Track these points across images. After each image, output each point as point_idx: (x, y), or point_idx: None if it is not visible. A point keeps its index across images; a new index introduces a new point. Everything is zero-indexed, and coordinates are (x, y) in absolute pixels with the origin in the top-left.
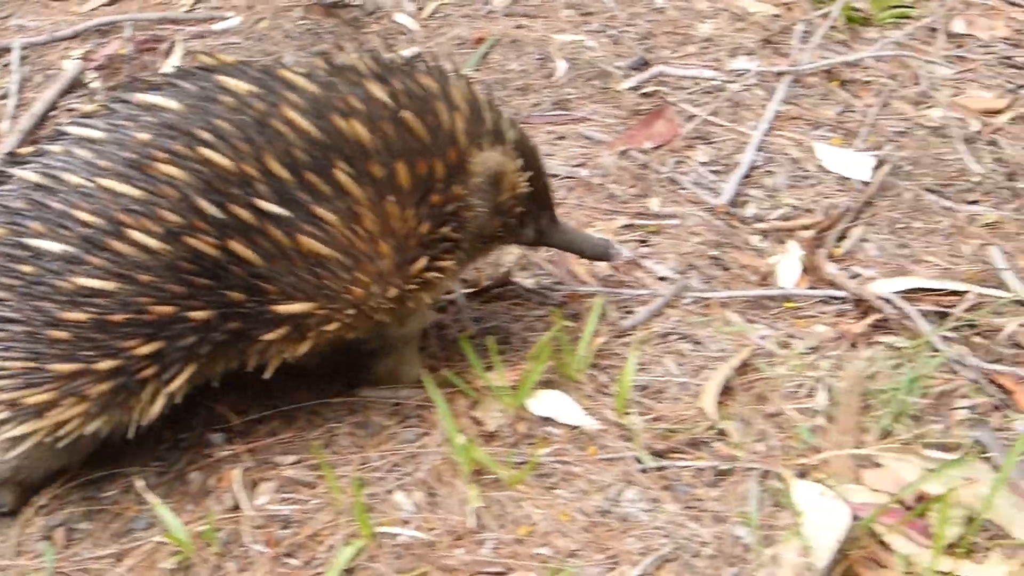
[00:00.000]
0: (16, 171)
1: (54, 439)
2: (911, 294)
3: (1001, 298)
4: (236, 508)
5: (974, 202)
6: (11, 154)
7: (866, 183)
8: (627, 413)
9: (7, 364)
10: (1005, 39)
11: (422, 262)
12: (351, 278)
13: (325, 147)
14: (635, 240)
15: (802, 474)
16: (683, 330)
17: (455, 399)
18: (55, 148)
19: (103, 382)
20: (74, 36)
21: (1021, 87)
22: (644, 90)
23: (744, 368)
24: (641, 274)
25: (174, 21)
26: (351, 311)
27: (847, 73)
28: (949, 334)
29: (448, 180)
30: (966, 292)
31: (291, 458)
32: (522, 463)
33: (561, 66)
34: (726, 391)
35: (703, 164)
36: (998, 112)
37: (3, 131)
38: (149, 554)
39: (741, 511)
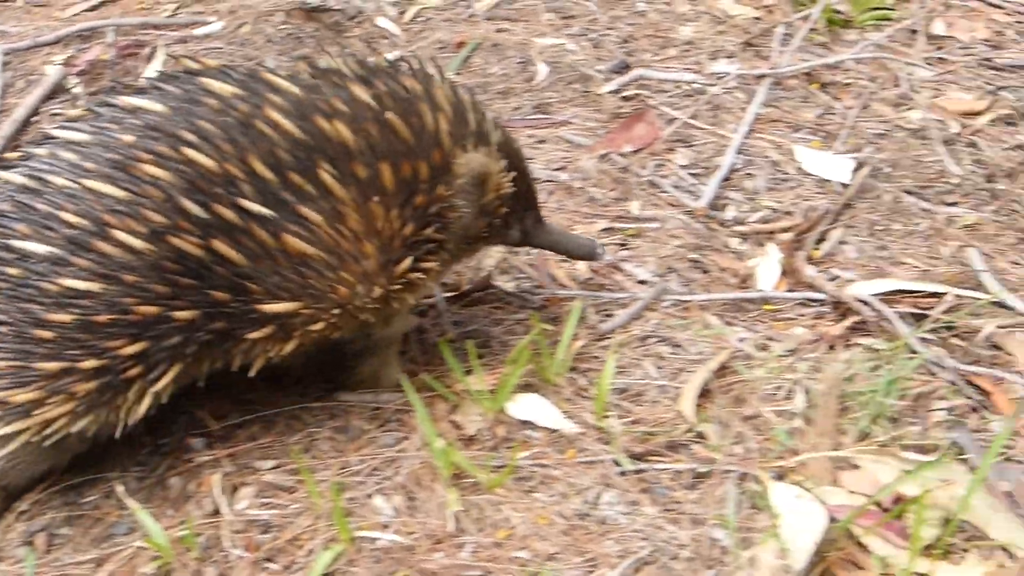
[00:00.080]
0: (1, 174)
1: (41, 438)
2: (889, 296)
3: (979, 300)
4: (216, 513)
5: (953, 204)
6: None
7: (845, 185)
8: (606, 416)
9: None
10: (985, 41)
11: (407, 263)
12: (336, 278)
13: (309, 148)
14: (615, 243)
15: (780, 476)
16: (662, 333)
17: (435, 403)
18: (41, 151)
19: (89, 381)
20: (56, 41)
21: (1001, 89)
22: (625, 93)
23: (723, 371)
24: (621, 277)
25: (156, 26)
26: (336, 311)
27: (827, 75)
28: (927, 336)
29: (432, 181)
30: (944, 294)
31: (271, 463)
32: (501, 467)
33: (542, 70)
34: (705, 394)
35: (683, 167)
36: (978, 114)
37: None
38: (129, 559)
39: (719, 513)
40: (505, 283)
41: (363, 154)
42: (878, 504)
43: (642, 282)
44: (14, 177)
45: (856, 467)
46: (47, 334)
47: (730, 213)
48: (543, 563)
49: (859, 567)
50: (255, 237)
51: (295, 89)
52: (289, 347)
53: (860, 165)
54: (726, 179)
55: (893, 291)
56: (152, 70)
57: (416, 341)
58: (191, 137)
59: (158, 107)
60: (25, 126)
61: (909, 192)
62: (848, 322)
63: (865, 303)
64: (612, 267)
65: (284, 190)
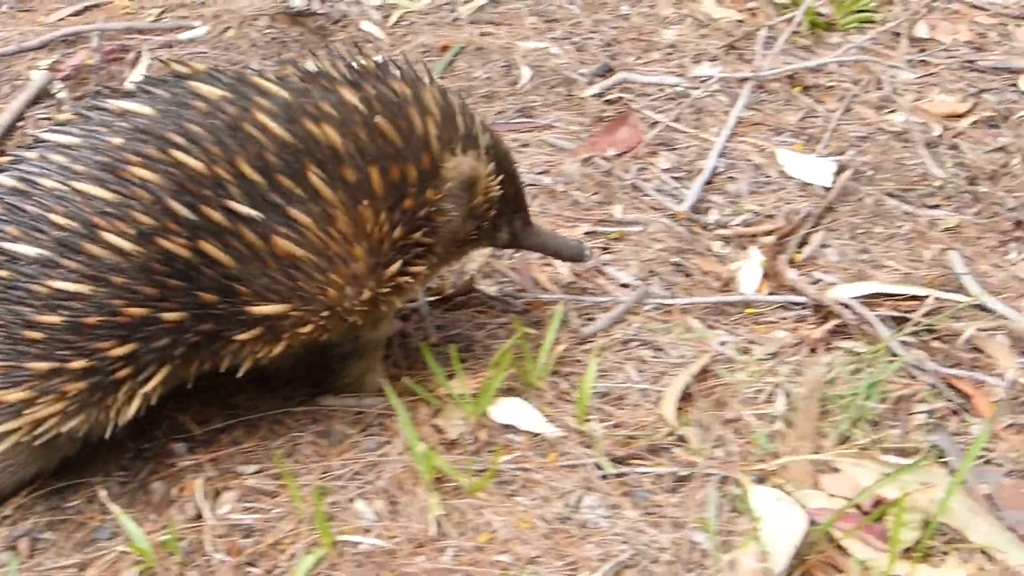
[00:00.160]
0: None
1: (32, 438)
2: (871, 299)
3: (960, 302)
4: (198, 517)
5: (935, 206)
6: None
7: (827, 188)
8: (587, 420)
9: None
10: (968, 43)
11: (396, 266)
12: (325, 280)
13: (297, 151)
14: (598, 247)
15: (761, 479)
16: (644, 336)
17: (417, 407)
18: (31, 154)
19: (78, 381)
20: (41, 47)
21: (983, 91)
22: (608, 97)
23: (704, 374)
24: (603, 281)
25: (140, 31)
26: (325, 313)
27: (810, 78)
28: (908, 339)
29: (421, 185)
30: (926, 297)
31: (253, 467)
32: (483, 471)
33: (525, 73)
34: (686, 397)
35: (666, 171)
36: (960, 116)
37: None
38: (112, 564)
39: (699, 517)
40: (488, 287)
41: (352, 157)
42: (858, 507)
43: (624, 286)
44: (4, 180)
45: (836, 470)
46: (37, 335)
47: (712, 216)
48: (524, 567)
49: (839, 570)
50: (243, 239)
51: (283, 92)
52: (278, 349)
53: (842, 168)
54: (708, 182)
55: (874, 294)
56: (137, 75)
57: (399, 345)
58: (179, 140)
59: (147, 110)
60: (10, 131)
61: (891, 195)
62: (829, 325)
63: (846, 306)
64: (595, 271)
65: (272, 192)
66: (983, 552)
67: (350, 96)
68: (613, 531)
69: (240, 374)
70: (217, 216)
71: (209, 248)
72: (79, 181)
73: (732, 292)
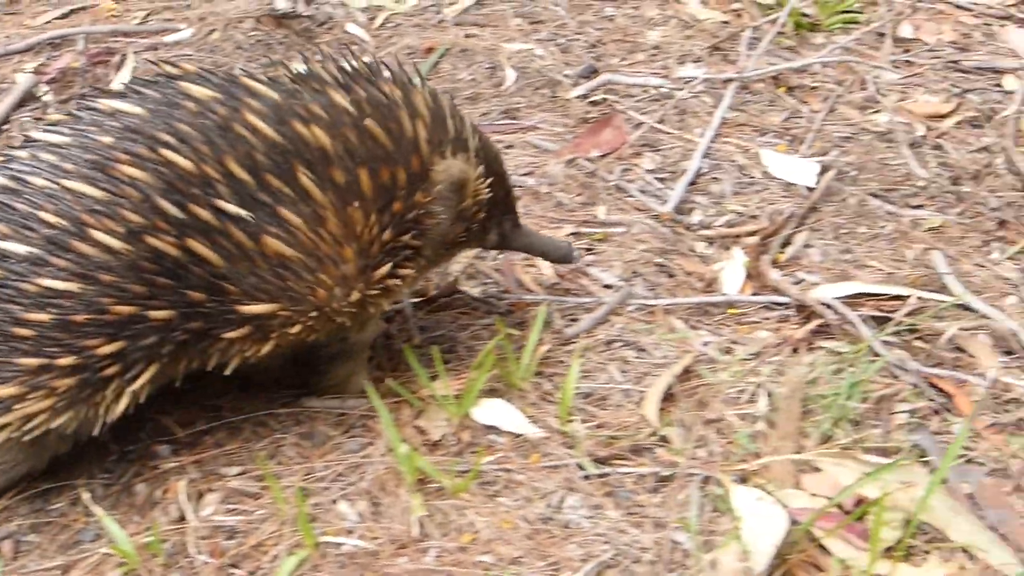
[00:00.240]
0: None
1: (22, 434)
2: (853, 299)
3: (943, 302)
4: (182, 519)
5: (919, 207)
6: None
7: (811, 189)
8: (570, 420)
9: None
10: (952, 43)
11: (385, 268)
12: (315, 280)
13: (286, 152)
14: (582, 248)
15: (743, 479)
16: (627, 337)
17: (400, 409)
18: (22, 153)
19: (67, 377)
20: (27, 50)
21: (967, 91)
22: (592, 98)
23: (687, 374)
24: (587, 282)
25: (126, 34)
26: (314, 313)
27: (794, 79)
28: (890, 339)
29: (410, 188)
30: (908, 296)
31: (236, 469)
32: (465, 471)
33: (510, 75)
34: (668, 397)
35: (650, 171)
36: (944, 116)
37: None
38: (96, 566)
39: (681, 517)
40: (471, 288)
41: (341, 159)
42: (839, 506)
43: (608, 286)
44: None
45: (818, 470)
46: (26, 332)
47: (696, 217)
48: (506, 567)
49: (820, 569)
50: (232, 238)
51: (273, 94)
52: (266, 348)
53: (826, 168)
54: (692, 183)
55: (857, 294)
56: (122, 77)
57: (383, 347)
58: (169, 139)
59: (137, 110)
60: None
61: (874, 195)
62: (812, 325)
63: (828, 306)
64: (578, 271)
65: (261, 192)
66: (964, 551)
67: (340, 98)
68: (595, 531)
69: (228, 372)
70: (205, 215)
71: (197, 246)
72: (69, 179)
73: (715, 293)
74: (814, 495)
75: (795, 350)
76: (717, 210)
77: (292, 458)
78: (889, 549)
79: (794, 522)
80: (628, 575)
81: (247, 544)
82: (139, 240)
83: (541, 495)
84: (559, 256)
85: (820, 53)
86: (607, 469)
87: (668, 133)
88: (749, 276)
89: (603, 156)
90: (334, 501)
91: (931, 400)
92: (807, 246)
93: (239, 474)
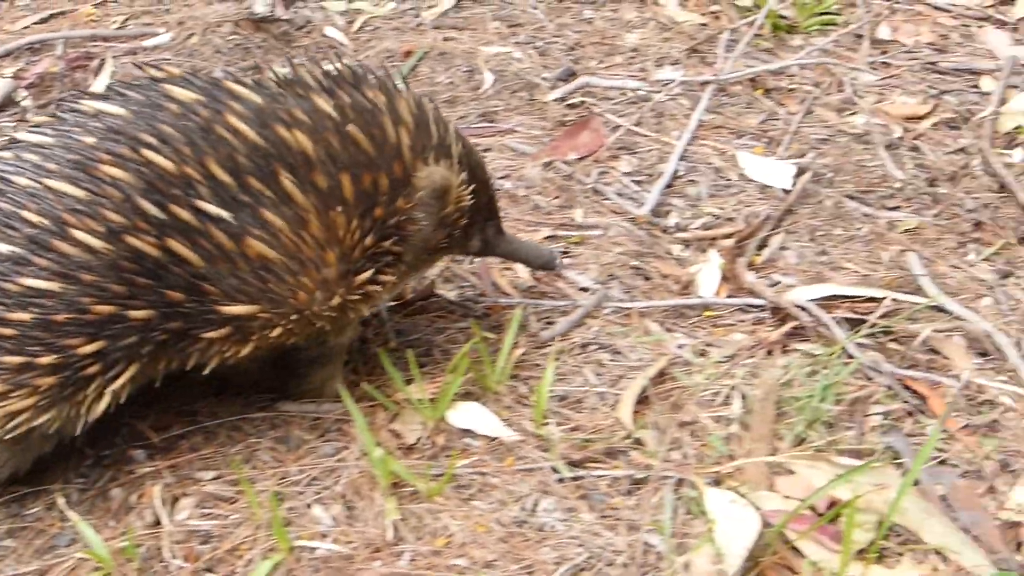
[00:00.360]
0: None
1: (5, 432)
2: (828, 301)
3: (917, 304)
4: (157, 524)
5: (895, 208)
6: None
7: (787, 191)
8: (545, 423)
9: None
10: (930, 44)
11: (367, 274)
12: (296, 283)
13: (268, 155)
14: (558, 251)
15: (717, 482)
16: (603, 340)
17: (375, 412)
18: (6, 154)
19: (49, 376)
20: (5, 55)
21: (944, 93)
22: (570, 101)
23: (661, 377)
24: (563, 285)
25: (105, 38)
26: (294, 316)
27: (772, 81)
28: (864, 341)
29: (392, 194)
30: (883, 298)
31: (211, 473)
32: (440, 475)
33: (488, 78)
34: (643, 400)
35: (626, 174)
36: (921, 118)
37: None
38: (71, 570)
39: (655, 519)
40: (448, 291)
41: (323, 164)
42: (812, 508)
43: (584, 289)
44: None
45: (791, 472)
46: (8, 331)
47: (672, 220)
48: (480, 571)
49: (792, 571)
50: (212, 239)
51: (256, 97)
52: (246, 350)
53: (802, 170)
54: (669, 186)
55: (832, 296)
56: (101, 82)
57: (358, 350)
58: (151, 139)
59: (120, 111)
60: None
61: (851, 197)
62: (786, 328)
63: (803, 309)
64: (555, 275)
65: (242, 193)
66: (937, 553)
67: (323, 103)
68: (569, 534)
69: (206, 372)
70: (185, 215)
71: (177, 246)
72: (51, 179)
73: (691, 295)
74: (787, 497)
75: (769, 352)
76: (693, 213)
77: (267, 462)
78: (862, 551)
79: (767, 524)
80: None
81: (222, 548)
82: (119, 240)
83: (515, 498)
84: (542, 263)
85: (798, 55)
86: (581, 472)
87: (645, 136)
88: (725, 278)
89: (580, 159)
90: (309, 505)
91: (905, 402)
92: (783, 248)
93: (214, 478)
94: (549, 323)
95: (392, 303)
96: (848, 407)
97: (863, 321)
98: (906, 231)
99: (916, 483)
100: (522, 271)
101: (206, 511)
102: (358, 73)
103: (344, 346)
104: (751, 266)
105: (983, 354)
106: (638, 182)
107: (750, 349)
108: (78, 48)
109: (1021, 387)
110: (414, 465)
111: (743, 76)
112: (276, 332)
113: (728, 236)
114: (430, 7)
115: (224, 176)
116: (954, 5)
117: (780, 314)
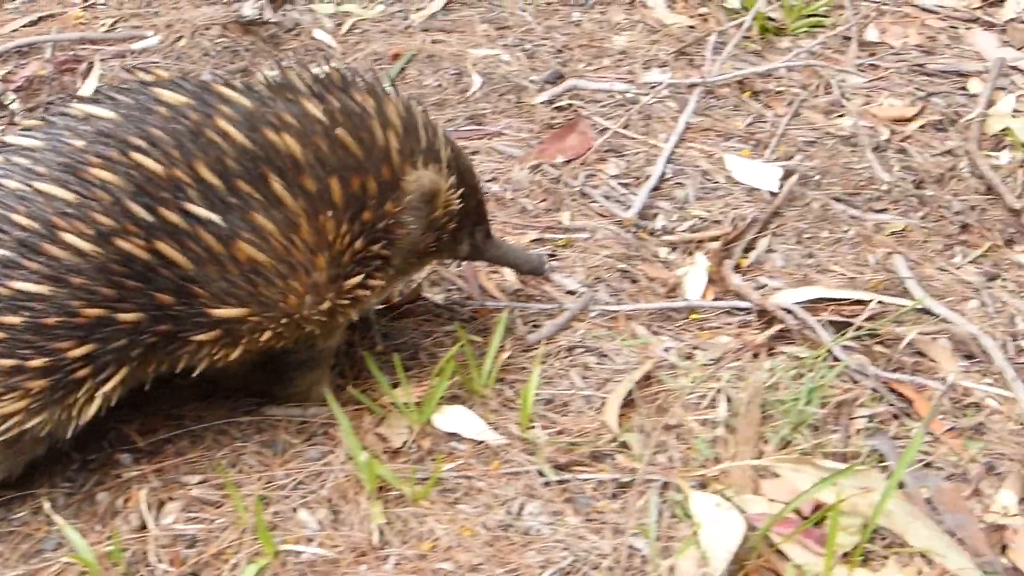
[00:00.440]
0: None
1: None
2: (815, 304)
3: (903, 307)
4: (143, 528)
5: (882, 210)
6: None
7: (774, 193)
8: (531, 427)
9: None
10: (918, 46)
11: (357, 278)
12: (286, 286)
13: (257, 158)
14: (545, 254)
15: (702, 485)
16: (589, 343)
17: (362, 416)
18: None
19: (40, 379)
20: None
21: (931, 95)
22: (558, 104)
23: (647, 380)
24: (550, 288)
25: (93, 41)
26: (284, 320)
27: (759, 83)
28: (850, 343)
29: (381, 198)
30: (869, 301)
31: (197, 477)
32: (426, 479)
33: (476, 81)
34: (629, 404)
35: (614, 177)
36: (908, 120)
37: None
38: (58, 574)
39: (640, 523)
40: (435, 295)
41: (312, 167)
42: (797, 512)
43: (571, 292)
44: None
45: (777, 475)
46: None
47: (659, 222)
48: (466, 574)
49: (777, 575)
50: (201, 241)
51: (246, 101)
52: (235, 353)
53: (789, 173)
54: (656, 189)
55: (818, 299)
56: (89, 85)
57: (345, 354)
58: (140, 142)
59: (110, 114)
60: None
61: (838, 199)
62: (772, 330)
63: (788, 311)
64: (541, 277)
65: (232, 197)
66: (922, 556)
67: (312, 107)
68: (554, 538)
69: (195, 374)
70: (174, 218)
71: (166, 249)
72: (41, 182)
73: (677, 298)
74: (772, 500)
75: (755, 355)
76: (680, 215)
77: (253, 466)
78: (846, 554)
79: (752, 528)
80: None
81: (207, 553)
82: (109, 243)
83: (501, 502)
84: (530, 268)
85: (785, 57)
86: (567, 475)
87: (633, 138)
88: (711, 281)
89: (568, 162)
90: (294, 509)
91: (891, 405)
92: (770, 251)
93: (200, 483)
94: (535, 326)
95: (379, 306)
96: (833, 410)
97: (849, 324)
98: (893, 233)
99: (901, 486)
100: (509, 274)
101: (192, 515)
102: (347, 77)
103: (332, 350)
104: (738, 269)
105: (969, 357)
106: (625, 185)
107: (736, 352)
108: (66, 51)
109: (1007, 390)
110: (400, 469)
111: (731, 79)
112: (266, 335)
113: (715, 239)
114: (418, 9)
115: (213, 179)
116: (942, 7)
117: (766, 317)
